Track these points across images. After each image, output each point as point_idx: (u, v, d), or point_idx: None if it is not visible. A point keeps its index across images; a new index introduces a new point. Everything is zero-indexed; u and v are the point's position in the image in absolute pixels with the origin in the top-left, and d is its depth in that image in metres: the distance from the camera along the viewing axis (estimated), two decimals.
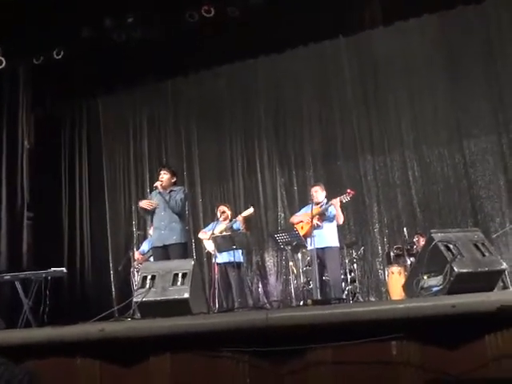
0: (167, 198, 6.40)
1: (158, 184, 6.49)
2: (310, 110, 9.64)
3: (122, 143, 10.57)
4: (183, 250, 6.41)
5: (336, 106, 9.47)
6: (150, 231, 7.77)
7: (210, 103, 10.08)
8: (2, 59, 8.83)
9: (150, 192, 6.83)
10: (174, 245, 6.29)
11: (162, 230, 6.37)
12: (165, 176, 6.51)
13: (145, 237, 8.90)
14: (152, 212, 6.49)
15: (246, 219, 7.61)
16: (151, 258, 7.59)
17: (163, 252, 6.33)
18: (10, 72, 9.32)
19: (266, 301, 8.71)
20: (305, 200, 8.78)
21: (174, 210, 6.38)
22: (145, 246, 8.39)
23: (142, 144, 10.54)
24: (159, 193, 6.49)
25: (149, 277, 4.87)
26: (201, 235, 7.92)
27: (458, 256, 3.81)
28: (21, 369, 1.67)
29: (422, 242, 7.58)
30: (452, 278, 3.72)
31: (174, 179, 6.61)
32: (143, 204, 6.50)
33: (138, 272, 7.66)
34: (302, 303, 7.55)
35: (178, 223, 6.40)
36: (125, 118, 10.64)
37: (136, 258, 8.29)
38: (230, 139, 10.07)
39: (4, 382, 1.63)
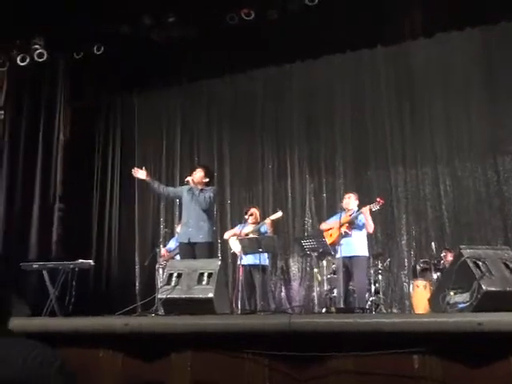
0: (197, 193, 6.46)
1: (189, 178, 6.56)
2: (344, 118, 9.61)
3: (155, 140, 10.68)
4: (209, 249, 6.47)
5: (370, 115, 9.43)
6: (178, 229, 7.86)
7: (243, 106, 10.15)
8: (44, 52, 9.00)
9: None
10: (200, 243, 6.35)
11: (190, 227, 6.44)
12: (198, 173, 6.58)
13: (172, 234, 8.97)
14: (178, 201, 6.57)
15: (274, 223, 7.62)
16: (177, 256, 7.68)
17: (190, 249, 6.40)
18: (51, 65, 9.48)
19: (288, 305, 8.69)
20: (333, 208, 8.79)
21: (202, 207, 6.43)
22: (171, 244, 8.46)
23: (174, 142, 10.63)
24: (190, 188, 6.55)
25: (175, 274, 4.92)
26: (227, 235, 7.94)
27: (487, 274, 3.77)
28: (54, 353, 1.71)
29: (450, 257, 7.48)
30: (479, 296, 3.68)
31: (207, 179, 6.65)
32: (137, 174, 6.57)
33: (163, 269, 7.73)
34: (324, 310, 7.53)
35: (206, 222, 6.45)
36: (159, 115, 10.75)
37: (162, 254, 8.36)
38: (262, 143, 10.08)
39: (38, 364, 1.67)
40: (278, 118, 10.03)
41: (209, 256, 6.36)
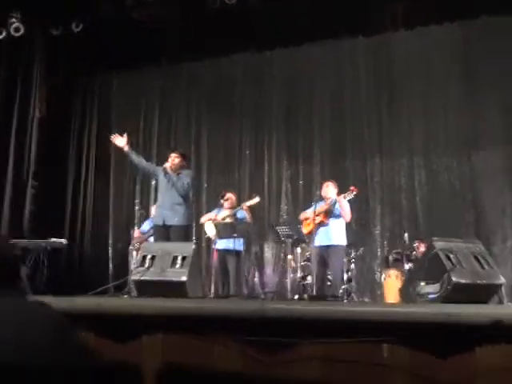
0: (174, 179, 6.48)
1: (167, 166, 6.58)
2: (323, 106, 9.61)
3: (132, 122, 10.49)
4: (184, 232, 6.52)
5: (348, 105, 9.43)
6: (153, 211, 7.86)
7: (223, 90, 10.08)
8: (21, 26, 8.82)
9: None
10: (175, 226, 6.38)
11: (165, 209, 6.48)
12: (176, 160, 6.62)
13: (146, 216, 8.96)
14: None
15: (250, 208, 7.63)
16: (151, 238, 7.67)
17: (164, 231, 6.42)
18: (28, 40, 9.31)
19: (261, 291, 8.73)
20: (309, 195, 8.82)
21: (180, 193, 6.47)
22: (145, 226, 8.42)
23: (152, 125, 10.54)
24: (166, 174, 6.55)
25: (149, 256, 4.94)
26: (203, 219, 7.92)
27: (458, 266, 3.83)
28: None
29: (422, 248, 7.58)
30: (449, 287, 3.75)
31: (184, 163, 6.73)
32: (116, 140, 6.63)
33: (136, 251, 7.71)
34: (297, 297, 7.59)
35: (182, 205, 6.48)
36: (137, 97, 10.62)
37: (135, 236, 8.31)
38: (241, 128, 10.04)
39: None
40: (257, 104, 9.98)
41: (183, 239, 6.39)
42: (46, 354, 1.83)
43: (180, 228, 6.40)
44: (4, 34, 8.84)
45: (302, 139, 9.69)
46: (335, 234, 7.04)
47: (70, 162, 10.42)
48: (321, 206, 7.07)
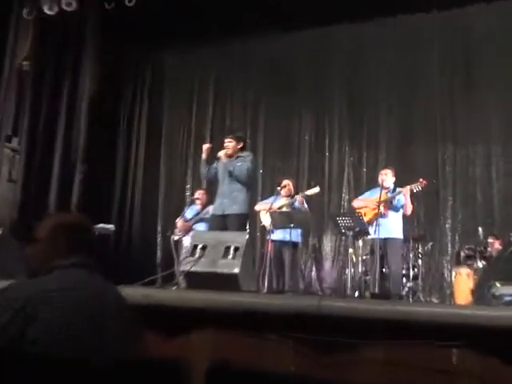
0: (231, 168, 6.41)
1: (221, 154, 6.53)
2: (391, 88, 9.46)
3: (185, 103, 10.63)
4: (242, 221, 6.45)
5: (420, 86, 9.25)
6: (196, 196, 8.18)
7: (282, 71, 10.00)
8: (73, 1, 8.98)
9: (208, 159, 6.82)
10: (233, 215, 6.32)
11: (224, 198, 6.44)
12: (230, 144, 6.51)
13: (190, 202, 9.05)
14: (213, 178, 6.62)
15: (310, 198, 7.60)
16: (196, 226, 7.83)
17: (221, 221, 6.39)
18: (80, 15, 9.45)
19: (318, 287, 8.71)
20: (373, 184, 8.68)
21: (238, 179, 6.41)
22: (189, 213, 8.49)
23: (205, 106, 10.54)
24: (220, 162, 6.56)
25: (199, 246, 4.95)
26: (258, 207, 7.92)
27: None
28: None
29: (498, 245, 7.40)
30: None
31: (241, 145, 6.60)
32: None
33: (178, 241, 7.89)
34: (357, 294, 7.52)
35: (241, 192, 6.42)
36: (191, 77, 10.65)
37: (179, 225, 8.37)
38: (300, 111, 9.99)
39: None
40: (319, 85, 9.87)
41: (241, 228, 6.35)
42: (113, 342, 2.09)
43: (238, 217, 6.35)
44: (56, 9, 9.01)
45: (367, 124, 9.58)
46: (394, 226, 7.03)
47: (119, 145, 10.57)
48: (379, 195, 6.99)
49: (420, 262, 7.91)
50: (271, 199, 7.59)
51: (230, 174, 6.41)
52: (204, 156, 6.71)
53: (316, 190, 7.59)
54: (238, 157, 6.49)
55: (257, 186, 9.77)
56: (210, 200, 7.94)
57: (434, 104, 9.12)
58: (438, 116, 9.09)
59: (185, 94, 10.66)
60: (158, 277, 6.64)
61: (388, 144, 9.35)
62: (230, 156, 6.49)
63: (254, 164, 6.68)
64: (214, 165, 6.71)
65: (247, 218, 6.69)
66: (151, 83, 10.85)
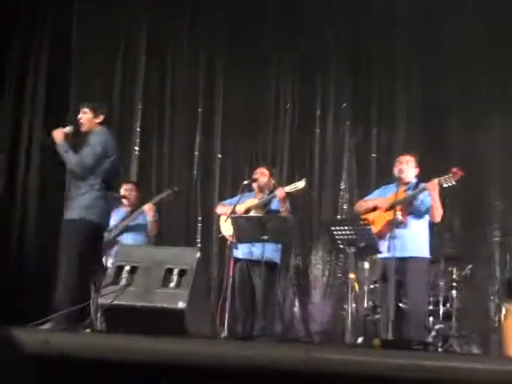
0: (67, 150, 6.51)
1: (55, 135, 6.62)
2: (411, 35, 9.57)
3: (105, 65, 10.42)
4: (79, 230, 6.44)
5: (454, 39, 9.37)
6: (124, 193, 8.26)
7: (248, 10, 10.03)
8: None
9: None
10: (70, 221, 6.44)
11: (67, 199, 6.75)
12: (84, 116, 6.70)
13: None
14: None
15: (292, 196, 7.65)
16: (122, 238, 7.93)
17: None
18: None
19: (303, 330, 8.73)
20: (387, 177, 8.71)
21: (79, 170, 6.50)
22: (112, 219, 8.49)
23: (136, 69, 10.44)
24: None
25: (126, 268, 4.93)
26: (219, 210, 7.99)
27: None
28: None
29: None
30: None
31: (100, 119, 6.76)
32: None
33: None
34: (361, 340, 7.53)
35: (90, 189, 6.49)
36: (115, 25, 10.52)
37: None
38: (278, 70, 10.11)
39: None
40: (303, 32, 9.97)
41: (78, 240, 6.33)
42: None
43: (74, 224, 6.42)
44: None
45: (377, 89, 9.71)
46: (416, 240, 7.05)
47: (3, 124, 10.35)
48: (393, 194, 7.02)
49: (454, 292, 7.95)
50: (236, 198, 7.63)
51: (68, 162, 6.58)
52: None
53: (301, 185, 7.59)
54: (87, 133, 6.68)
55: (212, 178, 9.77)
56: (141, 199, 8.08)
57: (470, 68, 9.29)
58: (481, 80, 9.22)
59: (105, 52, 10.44)
60: (62, 314, 6.59)
61: (408, 119, 9.48)
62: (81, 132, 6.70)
63: (107, 140, 6.74)
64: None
65: (90, 227, 6.74)
66: (53, 35, 10.54)
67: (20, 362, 2.32)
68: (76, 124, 6.65)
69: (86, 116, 6.66)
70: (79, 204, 6.37)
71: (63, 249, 6.29)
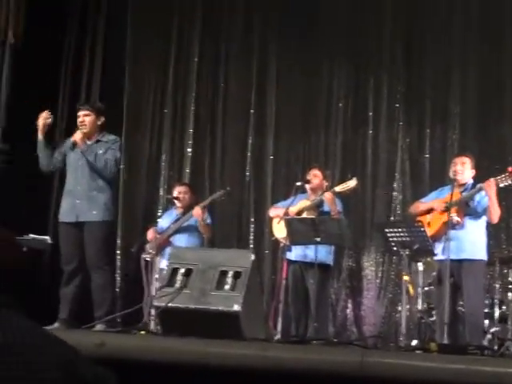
0: (91, 157, 6.79)
1: (77, 138, 6.97)
2: (467, 34, 9.43)
3: (158, 50, 10.51)
4: (105, 232, 6.96)
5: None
6: (177, 194, 8.36)
7: (303, 9, 9.98)
8: None
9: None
10: (92, 223, 6.79)
11: (78, 198, 6.92)
12: (86, 118, 6.97)
13: (167, 203, 9.05)
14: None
15: (343, 196, 7.68)
16: (175, 239, 7.97)
17: (76, 231, 6.89)
18: None
19: (357, 332, 8.74)
20: (441, 177, 8.65)
21: (103, 174, 6.86)
22: (164, 221, 8.59)
23: (189, 58, 10.46)
24: (74, 147, 7.04)
25: (181, 270, 4.94)
26: (272, 213, 7.99)
27: None
28: None
29: None
30: None
31: (102, 121, 7.08)
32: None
33: (150, 262, 7.83)
34: (415, 344, 7.47)
35: (104, 191, 6.89)
36: (169, 9, 10.56)
37: (150, 237, 8.31)
38: (331, 67, 10.02)
39: None
40: (359, 29, 9.92)
41: (105, 241, 6.90)
42: None
43: (99, 225, 6.81)
44: None
45: (433, 86, 9.55)
46: (473, 241, 7.07)
47: (59, 114, 10.39)
48: (449, 195, 6.95)
49: (510, 295, 7.85)
50: (289, 200, 7.64)
51: (91, 166, 6.83)
52: (41, 134, 7.25)
53: (352, 183, 7.67)
54: (98, 141, 7.00)
55: (264, 179, 9.77)
56: (194, 200, 8.15)
57: None
58: None
59: (159, 37, 10.50)
60: (118, 316, 6.64)
61: (463, 118, 9.33)
62: (86, 138, 6.95)
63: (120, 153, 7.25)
64: (62, 149, 7.25)
65: (111, 228, 7.19)
66: (108, 19, 10.63)
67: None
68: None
69: (88, 118, 6.93)
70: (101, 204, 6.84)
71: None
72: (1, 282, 2.35)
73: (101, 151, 6.88)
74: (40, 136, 7.21)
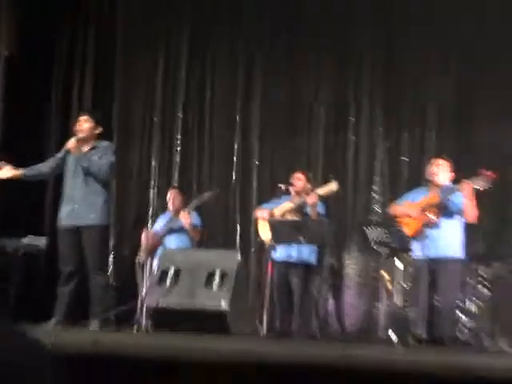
0: (86, 163, 6.78)
1: (70, 145, 6.89)
2: (452, 34, 9.36)
3: (147, 61, 10.53)
4: (104, 235, 7.01)
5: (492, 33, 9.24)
6: (170, 197, 8.43)
7: (287, 17, 10.08)
8: None
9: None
10: (89, 227, 6.77)
11: (76, 203, 6.88)
12: (85, 125, 6.96)
13: (161, 207, 9.13)
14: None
15: (325, 199, 7.75)
16: (168, 241, 7.89)
17: (75, 235, 6.84)
18: None
19: (340, 327, 8.81)
20: (418, 179, 8.71)
21: (99, 178, 6.84)
22: (159, 223, 8.67)
23: (178, 66, 10.53)
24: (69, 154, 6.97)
25: (171, 271, 5.02)
26: (260, 214, 8.00)
27: None
28: None
29: None
30: None
31: (99, 130, 7.10)
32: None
33: (144, 262, 7.87)
34: (394, 338, 7.57)
35: (100, 195, 6.88)
36: (157, 20, 10.63)
37: (144, 239, 8.37)
38: (314, 74, 10.07)
39: None
40: (341, 37, 9.97)
41: (102, 245, 6.91)
42: None
43: (96, 230, 6.79)
44: None
45: (413, 88, 9.61)
46: (449, 240, 7.11)
47: (52, 124, 10.45)
48: (427, 197, 7.10)
49: (485, 291, 7.93)
50: (273, 202, 7.80)
51: (86, 171, 6.81)
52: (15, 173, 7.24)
53: (333, 186, 7.73)
54: (94, 147, 6.98)
55: (250, 182, 9.92)
56: (185, 202, 8.22)
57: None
58: None
59: (147, 47, 10.55)
60: (111, 314, 6.69)
61: (440, 121, 9.38)
62: (81, 144, 6.91)
63: (114, 158, 7.16)
64: (59, 155, 7.20)
65: (108, 232, 7.08)
66: (97, 31, 10.63)
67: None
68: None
69: (87, 125, 6.96)
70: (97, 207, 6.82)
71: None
72: None
73: (95, 157, 6.89)
74: (18, 173, 7.23)
